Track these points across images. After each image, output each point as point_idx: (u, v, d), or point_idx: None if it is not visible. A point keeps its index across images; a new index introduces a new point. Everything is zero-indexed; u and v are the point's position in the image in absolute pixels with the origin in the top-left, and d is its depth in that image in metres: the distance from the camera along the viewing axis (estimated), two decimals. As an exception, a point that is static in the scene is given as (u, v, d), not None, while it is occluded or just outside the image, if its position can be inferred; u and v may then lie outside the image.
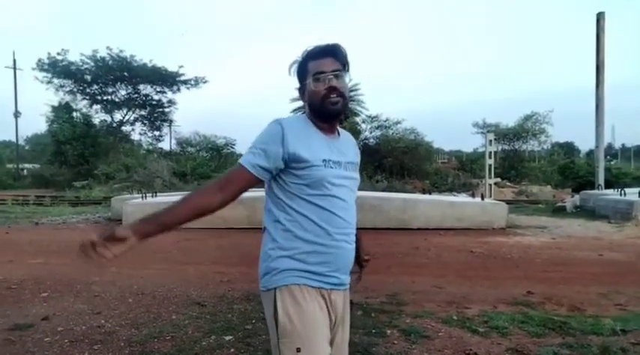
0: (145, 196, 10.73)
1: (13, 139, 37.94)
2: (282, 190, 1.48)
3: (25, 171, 35.48)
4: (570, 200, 14.21)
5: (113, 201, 11.59)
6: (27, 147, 48.76)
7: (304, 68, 1.53)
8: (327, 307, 1.49)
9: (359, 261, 1.75)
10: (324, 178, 1.44)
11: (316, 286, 1.46)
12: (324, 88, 1.47)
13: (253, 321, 3.80)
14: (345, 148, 1.56)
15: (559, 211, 13.07)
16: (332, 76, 1.48)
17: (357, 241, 1.64)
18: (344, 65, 1.53)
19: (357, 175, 1.59)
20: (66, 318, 3.87)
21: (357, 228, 1.63)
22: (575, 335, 3.48)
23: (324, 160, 1.45)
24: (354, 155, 1.61)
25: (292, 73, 1.59)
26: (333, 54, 1.51)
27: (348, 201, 1.50)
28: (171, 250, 7.12)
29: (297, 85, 1.59)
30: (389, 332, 3.57)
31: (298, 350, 1.41)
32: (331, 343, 1.52)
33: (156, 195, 11.47)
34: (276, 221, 1.49)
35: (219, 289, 4.83)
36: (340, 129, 1.64)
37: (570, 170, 26.18)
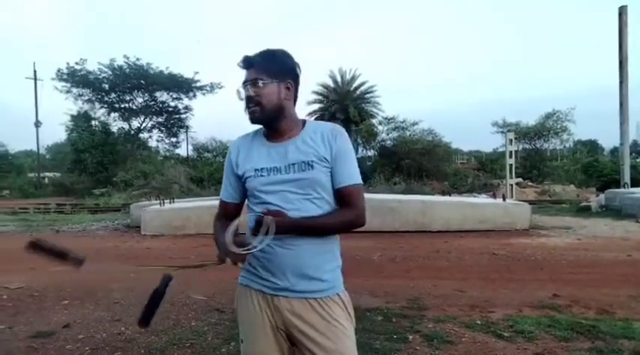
0: (163, 202, 10.79)
1: (35, 149, 38.77)
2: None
3: (46, 179, 36.20)
4: (595, 199, 13.86)
5: (132, 207, 11.71)
6: (48, 157, 49.79)
7: None
8: (269, 310, 1.53)
9: None
10: (255, 187, 1.54)
11: (257, 288, 1.56)
12: (243, 98, 1.54)
13: (272, 327, 3.75)
14: (295, 149, 1.53)
15: (584, 211, 12.76)
16: (248, 86, 1.53)
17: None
18: (270, 72, 1.53)
19: (306, 175, 1.49)
20: (86, 326, 3.88)
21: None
22: (605, 340, 3.36)
23: (256, 170, 1.54)
24: (309, 152, 1.51)
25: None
26: (249, 64, 1.55)
27: (283, 205, 1.49)
28: (188, 256, 7.13)
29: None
30: (411, 337, 3.49)
31: (242, 341, 1.62)
32: (285, 349, 1.54)
33: (173, 202, 11.55)
34: None
35: (237, 295, 4.79)
36: (314, 124, 1.61)
37: (594, 168, 25.62)
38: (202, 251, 7.58)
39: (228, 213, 1.66)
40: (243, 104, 1.55)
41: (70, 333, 3.70)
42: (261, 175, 1.53)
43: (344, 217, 1.54)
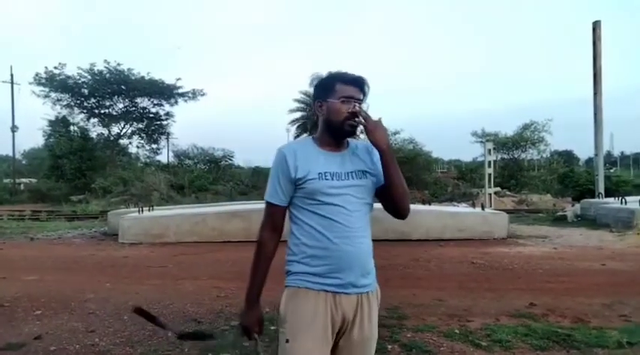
0: (142, 210, 10.62)
1: (10, 154, 37.87)
2: (293, 205, 1.70)
3: (22, 185, 35.34)
4: (571, 209, 14.15)
5: (109, 215, 11.49)
6: (24, 162, 48.66)
7: (330, 87, 1.71)
8: (330, 310, 1.61)
9: None
10: (319, 189, 1.62)
11: (318, 289, 1.61)
12: (347, 111, 1.67)
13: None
14: (350, 159, 1.72)
15: (560, 220, 13.01)
16: (357, 103, 1.69)
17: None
18: (364, 97, 1.74)
19: (364, 182, 1.70)
20: (59, 337, 3.78)
21: None
22: (580, 348, 3.41)
23: (319, 173, 1.63)
24: (361, 163, 1.73)
25: (312, 84, 1.81)
26: (361, 85, 1.73)
27: (348, 207, 1.63)
28: (166, 265, 7.04)
29: (315, 98, 1.78)
30: (389, 347, 3.49)
31: (287, 341, 1.61)
32: (337, 344, 1.66)
33: (152, 209, 11.39)
34: (291, 231, 1.71)
35: (216, 305, 4.73)
36: (353, 141, 1.82)
37: (570, 178, 26.19)
38: (181, 260, 7.49)
39: (277, 217, 1.71)
40: (343, 113, 1.68)
41: (41, 345, 3.60)
42: (325, 179, 1.64)
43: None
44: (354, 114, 1.67)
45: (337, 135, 1.72)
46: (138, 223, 9.58)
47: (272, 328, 3.83)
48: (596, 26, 16.65)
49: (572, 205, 15.75)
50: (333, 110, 1.70)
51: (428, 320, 4.15)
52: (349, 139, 1.79)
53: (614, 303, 4.62)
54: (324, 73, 1.80)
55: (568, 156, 44.28)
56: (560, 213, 13.98)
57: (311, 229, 1.63)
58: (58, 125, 30.43)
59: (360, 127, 1.71)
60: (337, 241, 1.61)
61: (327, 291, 1.61)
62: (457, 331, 3.85)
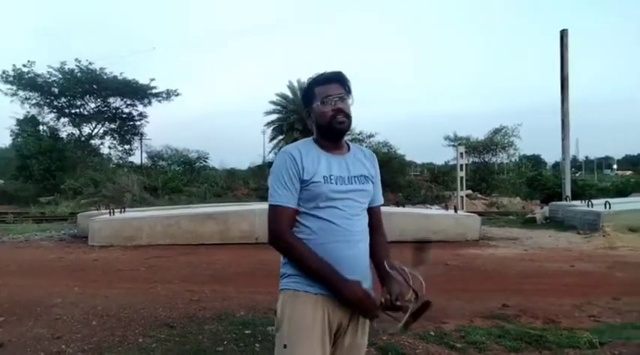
0: (113, 212, 10.36)
1: (-25, 153, 36.45)
2: None
3: (-13, 186, 34.05)
4: (540, 211, 14.50)
5: (79, 217, 11.15)
6: (-10, 162, 46.93)
7: (311, 93, 1.71)
8: (327, 314, 1.59)
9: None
10: (323, 193, 1.60)
11: (314, 293, 1.58)
12: (331, 110, 1.65)
13: (225, 342, 3.65)
14: (352, 163, 1.72)
15: (529, 222, 13.30)
16: (337, 99, 1.67)
17: (377, 258, 1.73)
18: (347, 90, 1.71)
19: (366, 187, 1.71)
20: (23, 345, 3.62)
21: (379, 243, 1.78)
22: (552, 349, 3.47)
23: (324, 176, 1.62)
24: (363, 168, 1.74)
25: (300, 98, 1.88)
26: (337, 80, 1.71)
27: (349, 211, 1.64)
28: (138, 268, 6.87)
29: (304, 109, 1.78)
30: (365, 350, 3.47)
31: (285, 346, 1.59)
32: (337, 345, 1.65)
33: (124, 211, 11.11)
34: None
35: (189, 309, 4.63)
36: (355, 146, 1.82)
37: (538, 182, 26.87)
38: (154, 263, 7.32)
39: (291, 221, 1.64)
40: (327, 113, 1.66)
41: (3, 354, 3.45)
42: (331, 182, 1.62)
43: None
44: (338, 111, 1.65)
45: (331, 137, 1.70)
46: (109, 225, 9.34)
47: (246, 332, 3.81)
48: (563, 34, 17.11)
49: (541, 208, 16.14)
50: (318, 114, 1.69)
51: (403, 322, 4.15)
52: (350, 143, 1.79)
53: (584, 304, 4.73)
54: (304, 78, 1.80)
55: (536, 160, 45.39)
56: (529, 216, 14.30)
57: (310, 232, 1.61)
58: (27, 124, 29.44)
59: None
60: (336, 245, 1.59)
61: (324, 295, 1.59)
62: (432, 333, 3.87)
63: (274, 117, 33.93)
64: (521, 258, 7.76)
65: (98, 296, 5.07)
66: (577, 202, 13.75)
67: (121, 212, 10.77)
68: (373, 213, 1.79)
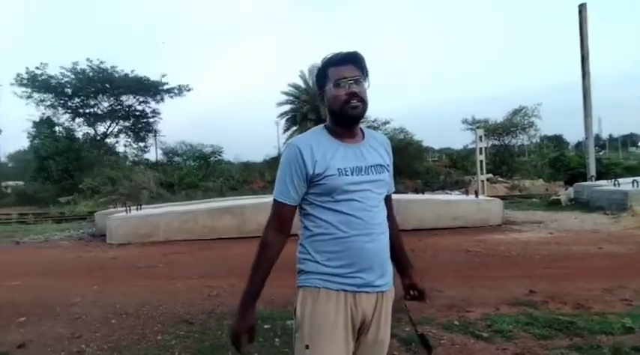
0: (129, 209, 10.39)
1: (-4, 157, 37.17)
2: (306, 201, 1.58)
3: (9, 189, 34.73)
4: (564, 193, 14.15)
5: (97, 216, 11.23)
6: (10, 165, 47.86)
7: (324, 75, 1.59)
8: (350, 311, 1.52)
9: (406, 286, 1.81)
10: (339, 186, 1.51)
11: (336, 289, 1.51)
12: (344, 94, 1.53)
13: (244, 338, 3.57)
14: (368, 151, 1.61)
15: (554, 204, 13.00)
16: (352, 82, 1.54)
17: (395, 248, 1.70)
18: (364, 72, 1.59)
19: (383, 176, 1.62)
20: (43, 345, 3.61)
21: (394, 231, 1.72)
22: (584, 336, 3.32)
23: (339, 169, 1.52)
24: (378, 156, 1.64)
25: (312, 79, 1.60)
26: (353, 61, 1.57)
27: (368, 203, 1.55)
28: (156, 264, 6.87)
29: (318, 92, 1.67)
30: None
31: (307, 347, 1.52)
32: (359, 343, 1.58)
33: (140, 208, 11.15)
34: (304, 227, 1.60)
35: (207, 304, 4.58)
36: (368, 131, 1.70)
37: (561, 162, 26.28)
38: (172, 259, 7.31)
39: (286, 218, 1.58)
40: (340, 97, 1.54)
41: (24, 354, 3.43)
42: (345, 174, 1.53)
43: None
44: (352, 95, 1.53)
45: (344, 123, 1.59)
46: (126, 223, 9.37)
47: (265, 327, 3.73)
48: (582, 9, 16.60)
49: (565, 189, 15.77)
50: (330, 98, 1.57)
51: (426, 313, 4.03)
52: (365, 129, 1.69)
53: (615, 287, 4.55)
54: (319, 61, 1.64)
55: (558, 141, 44.45)
56: (553, 198, 13.97)
57: (328, 226, 1.53)
58: (43, 126, 29.80)
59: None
60: (358, 239, 1.52)
61: (346, 291, 1.52)
62: (457, 322, 3.74)
63: (287, 107, 33.77)
64: (547, 242, 7.54)
65: (117, 295, 5.06)
66: (603, 182, 13.41)
67: (137, 209, 10.82)
68: (387, 200, 1.71)
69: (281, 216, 1.57)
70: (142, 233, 9.13)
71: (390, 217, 1.72)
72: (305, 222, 1.61)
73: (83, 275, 6.29)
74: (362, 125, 1.70)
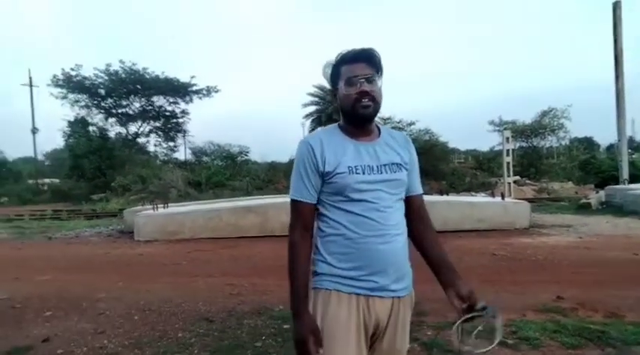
0: (157, 207, 10.59)
1: (33, 155, 38.52)
2: (319, 201, 1.54)
3: (45, 186, 35.95)
4: (595, 196, 13.69)
5: (125, 213, 11.48)
6: (47, 163, 49.50)
7: (337, 73, 1.55)
8: (362, 315, 1.47)
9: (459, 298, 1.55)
10: (350, 185, 1.46)
11: (348, 292, 1.46)
12: (355, 92, 1.49)
13: (263, 338, 3.57)
14: (382, 150, 1.56)
15: (584, 208, 12.59)
16: (364, 80, 1.49)
17: (434, 258, 1.61)
18: (378, 70, 1.53)
19: (399, 175, 1.55)
20: (67, 339, 3.68)
21: (430, 238, 1.64)
22: (616, 346, 3.17)
23: (349, 167, 1.47)
24: (395, 155, 1.57)
25: (326, 77, 1.62)
26: (366, 59, 1.52)
27: (381, 203, 1.49)
28: (180, 262, 6.95)
29: (331, 89, 1.63)
30: (409, 346, 3.29)
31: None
32: (373, 350, 1.53)
33: (167, 206, 11.34)
34: (317, 228, 1.56)
35: (228, 303, 4.60)
36: (386, 129, 1.65)
37: (592, 165, 25.49)
38: (196, 256, 7.39)
39: (307, 216, 1.54)
40: (350, 96, 1.50)
41: (48, 348, 3.51)
42: (357, 173, 1.48)
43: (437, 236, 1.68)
44: (363, 94, 1.48)
45: (355, 122, 1.54)
46: (153, 220, 9.54)
47: (285, 327, 3.72)
48: (616, 7, 16.03)
49: (596, 192, 15.26)
50: (341, 97, 1.53)
51: (449, 317, 3.93)
52: (382, 127, 1.63)
53: (649, 296, 4.34)
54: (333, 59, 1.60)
55: (588, 143, 43.07)
56: (583, 201, 13.53)
57: (341, 227, 1.49)
58: (77, 126, 30.77)
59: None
60: (370, 240, 1.47)
61: (358, 295, 1.47)
62: (480, 328, 3.63)
63: (312, 108, 33.80)
64: (576, 246, 7.29)
65: (141, 291, 5.14)
66: (636, 185, 12.91)
67: (164, 207, 11.00)
68: (413, 202, 1.63)
69: (302, 215, 1.54)
70: (169, 230, 9.28)
71: (422, 220, 1.64)
72: (318, 223, 1.56)
73: (110, 271, 6.43)
74: (386, 125, 1.65)
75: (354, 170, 1.48)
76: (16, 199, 28.44)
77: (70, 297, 4.92)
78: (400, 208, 1.57)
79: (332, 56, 1.61)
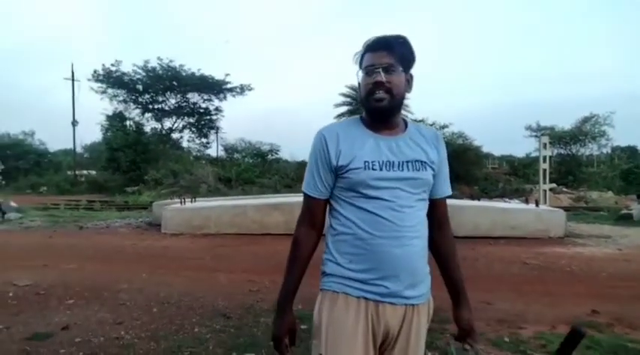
0: (184, 201, 10.70)
1: (73, 147, 39.86)
2: (333, 196, 1.46)
3: (83, 177, 37.15)
4: (637, 207, 13.03)
5: (154, 206, 11.66)
6: (85, 155, 51.19)
7: (361, 61, 1.45)
8: (371, 321, 1.37)
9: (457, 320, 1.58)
10: (364, 181, 1.36)
11: (357, 296, 1.37)
12: (370, 83, 1.38)
13: (279, 337, 3.48)
14: (407, 145, 1.44)
15: (624, 219, 11.99)
16: (380, 70, 1.37)
17: (446, 270, 1.56)
18: (402, 60, 1.40)
19: (422, 174, 1.42)
20: (86, 328, 3.71)
21: (446, 247, 1.55)
22: (655, 367, 2.94)
23: (365, 162, 1.37)
24: (421, 151, 1.45)
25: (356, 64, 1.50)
26: (386, 47, 1.39)
27: (398, 202, 1.37)
28: (204, 256, 6.97)
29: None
30: (429, 354, 3.15)
31: None
32: None
33: (195, 201, 11.45)
34: (330, 226, 1.47)
35: (247, 299, 4.56)
36: (415, 124, 1.53)
37: (635, 175, 24.35)
38: (219, 252, 7.41)
39: (316, 212, 1.47)
40: (366, 86, 1.40)
41: (67, 336, 3.53)
42: (373, 168, 1.37)
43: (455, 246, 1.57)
44: (378, 85, 1.36)
45: (372, 115, 1.44)
46: (180, 214, 9.64)
47: (302, 327, 3.62)
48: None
49: (638, 203, 14.53)
50: (360, 86, 1.44)
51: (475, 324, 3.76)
52: (411, 123, 1.51)
53: (694, 314, 4.03)
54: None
55: (631, 152, 41.25)
56: (624, 211, 12.89)
57: (352, 225, 1.39)
58: (115, 120, 31.64)
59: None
60: (383, 241, 1.36)
61: (367, 299, 1.37)
62: (507, 339, 3.46)
63: (344, 109, 33.66)
64: (615, 259, 6.92)
65: (163, 284, 5.15)
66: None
67: (191, 201, 11.11)
68: (437, 206, 1.51)
69: (310, 210, 1.46)
70: (194, 224, 9.36)
71: (442, 227, 1.53)
72: (331, 220, 1.47)
73: (135, 262, 6.50)
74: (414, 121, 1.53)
75: (370, 165, 1.37)
76: (55, 189, 29.50)
77: (93, 286, 4.99)
78: (422, 209, 1.45)
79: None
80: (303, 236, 1.45)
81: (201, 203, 11.30)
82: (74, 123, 36.13)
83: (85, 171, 39.61)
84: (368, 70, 1.39)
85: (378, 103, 1.38)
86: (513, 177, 27.79)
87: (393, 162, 1.39)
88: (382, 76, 1.37)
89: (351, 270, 1.38)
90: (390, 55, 1.38)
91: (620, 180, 25.61)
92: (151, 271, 5.85)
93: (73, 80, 36.03)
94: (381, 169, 1.38)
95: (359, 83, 1.47)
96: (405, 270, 1.38)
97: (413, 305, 1.40)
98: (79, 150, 41.98)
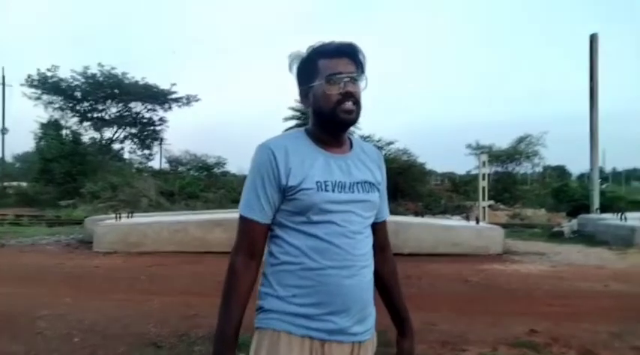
0: (120, 216, 10.10)
1: (1, 156, 37.23)
2: (274, 220, 1.30)
3: (11, 189, 34.66)
4: (568, 224, 13.77)
5: (86, 221, 10.87)
6: (17, 165, 47.97)
7: (312, 67, 1.28)
8: None
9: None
10: (316, 204, 1.23)
11: (301, 335, 1.23)
12: (338, 93, 1.25)
13: (213, 368, 3.24)
14: (355, 165, 1.33)
15: (556, 236, 12.60)
16: (348, 79, 1.26)
17: (389, 293, 1.48)
18: (361, 69, 1.30)
19: (371, 197, 1.33)
20: (-8, 363, 3.29)
21: (388, 270, 1.47)
22: (591, 389, 2.96)
23: (317, 182, 1.24)
24: (368, 172, 1.35)
25: (293, 72, 1.35)
26: (350, 54, 1.28)
27: (350, 228, 1.26)
28: (138, 276, 6.54)
29: (299, 86, 1.36)
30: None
31: None
32: None
33: (132, 216, 10.85)
34: (269, 253, 1.31)
35: (182, 325, 4.25)
36: (358, 141, 1.43)
37: (564, 193, 25.87)
38: (156, 271, 6.99)
39: (258, 241, 1.29)
40: (332, 97, 1.25)
41: (-32, 374, 3.12)
42: (326, 190, 1.24)
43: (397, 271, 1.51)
44: (348, 95, 1.24)
45: (333, 129, 1.30)
46: (114, 230, 9.07)
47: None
48: (593, 39, 16.37)
49: (569, 220, 15.38)
50: (319, 96, 1.27)
51: (418, 348, 3.67)
52: (354, 139, 1.40)
53: (624, 332, 4.17)
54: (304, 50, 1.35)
55: (561, 171, 44.04)
56: (556, 229, 13.58)
57: (299, 254, 1.24)
58: (50, 128, 29.89)
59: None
60: (333, 272, 1.23)
61: (313, 338, 1.23)
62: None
63: (293, 123, 33.66)
64: (549, 276, 7.17)
65: (89, 309, 4.74)
66: (608, 215, 13.01)
67: (128, 216, 10.53)
68: (379, 229, 1.42)
69: (250, 237, 1.28)
70: (130, 241, 8.82)
71: (384, 251, 1.45)
72: (271, 247, 1.30)
73: (59, 285, 5.97)
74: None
75: (323, 186, 1.24)
76: (-21, 202, 27.27)
77: (7, 313, 4.50)
78: (369, 235, 1.35)
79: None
80: (241, 266, 1.26)
81: (139, 218, 10.72)
82: (3, 130, 33.93)
83: (14, 183, 37.07)
84: (334, 79, 1.25)
85: (347, 115, 1.26)
86: (455, 193, 28.74)
87: (345, 184, 1.27)
88: (352, 86, 1.26)
89: (295, 305, 1.24)
90: (353, 64, 1.28)
91: (551, 198, 27.14)
92: (77, 295, 5.38)
93: (3, 85, 33.90)
94: (333, 191, 1.25)
95: (306, 93, 1.32)
96: (356, 303, 1.26)
97: (360, 341, 1.29)
98: (8, 159, 39.35)
